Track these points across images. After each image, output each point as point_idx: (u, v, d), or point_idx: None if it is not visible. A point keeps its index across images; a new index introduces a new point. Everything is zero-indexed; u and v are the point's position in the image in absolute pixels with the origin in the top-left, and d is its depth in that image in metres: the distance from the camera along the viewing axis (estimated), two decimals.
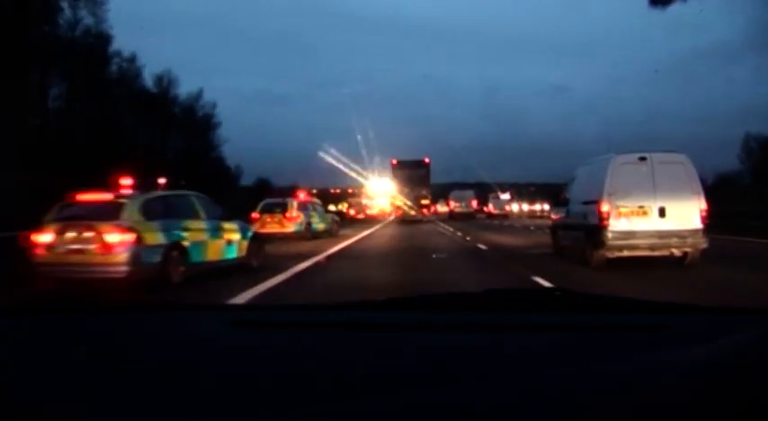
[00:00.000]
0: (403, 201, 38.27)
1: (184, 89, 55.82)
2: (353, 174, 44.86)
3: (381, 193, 59.44)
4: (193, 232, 8.92)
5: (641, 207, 9.74)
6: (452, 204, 45.69)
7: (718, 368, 0.80)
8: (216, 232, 9.57)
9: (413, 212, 37.41)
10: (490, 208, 53.13)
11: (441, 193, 51.24)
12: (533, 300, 1.67)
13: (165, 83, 54.65)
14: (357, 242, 18.50)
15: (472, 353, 1.19)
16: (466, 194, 46.78)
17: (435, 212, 41.09)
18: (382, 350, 1.22)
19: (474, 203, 47.01)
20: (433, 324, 1.41)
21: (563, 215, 12.30)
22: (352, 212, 45.43)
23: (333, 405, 0.82)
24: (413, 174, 38.42)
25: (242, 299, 6.88)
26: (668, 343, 1.21)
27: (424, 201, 38.63)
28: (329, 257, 13.05)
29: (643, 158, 9.91)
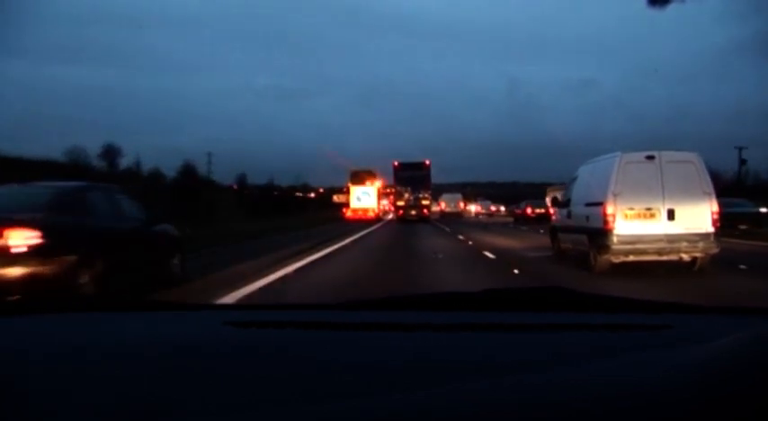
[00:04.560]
0: (404, 202, 39.07)
1: None
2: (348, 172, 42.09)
3: (366, 190, 42.80)
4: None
5: (649, 209, 9.15)
6: (443, 205, 53.35)
7: (718, 368, 0.78)
8: None
9: (413, 212, 38.33)
10: (478, 208, 64.82)
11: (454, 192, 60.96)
12: (533, 300, 1.66)
13: None
14: None
15: (471, 352, 1.19)
16: (455, 197, 55.97)
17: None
18: (379, 350, 1.21)
19: (461, 204, 55.88)
20: (431, 323, 1.37)
21: (563, 216, 11.70)
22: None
23: (328, 405, 0.80)
24: (414, 175, 39.11)
25: None
26: (668, 342, 1.19)
27: (425, 202, 39.38)
28: None
29: (651, 157, 9.31)
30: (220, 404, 0.91)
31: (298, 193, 67.77)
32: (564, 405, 0.73)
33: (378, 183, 45.02)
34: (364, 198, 43.34)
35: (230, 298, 6.98)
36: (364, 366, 1.10)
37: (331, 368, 1.08)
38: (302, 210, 55.27)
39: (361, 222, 35.43)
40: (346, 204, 45.00)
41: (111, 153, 41.12)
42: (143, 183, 30.75)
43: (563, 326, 1.37)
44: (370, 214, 42.29)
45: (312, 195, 70.77)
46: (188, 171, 40.26)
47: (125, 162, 40.93)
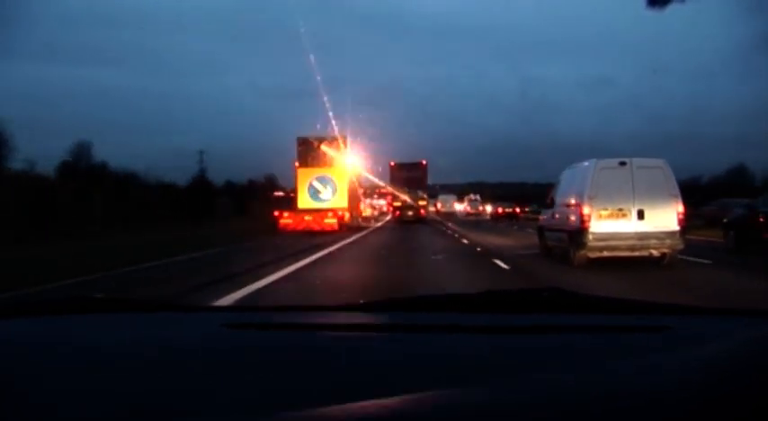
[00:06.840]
0: (401, 203, 38.60)
1: None
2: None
3: (324, 177, 24.11)
4: None
5: (621, 210, 10.23)
6: (439, 205, 63.12)
7: (717, 369, 0.81)
8: None
9: (410, 212, 37.94)
10: (468, 208, 72.13)
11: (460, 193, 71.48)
12: (532, 302, 1.65)
13: None
14: None
15: (471, 354, 1.18)
16: (449, 198, 66.39)
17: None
18: (378, 351, 1.22)
19: (455, 205, 66.50)
20: (430, 325, 1.40)
21: (549, 217, 12.74)
22: None
23: (327, 406, 0.80)
24: (410, 175, 38.83)
25: None
26: (667, 344, 1.20)
27: (421, 203, 39.04)
28: None
29: (623, 163, 10.41)
30: (219, 405, 0.91)
31: (271, 193, 57.78)
32: (564, 406, 0.73)
33: (346, 165, 25.58)
34: (324, 192, 24.28)
35: None
36: (363, 367, 1.10)
37: (329, 369, 1.08)
38: (242, 214, 42.74)
39: (308, 236, 19.17)
40: (287, 204, 25.00)
41: None
42: None
43: (562, 327, 1.35)
44: (331, 221, 23.27)
45: (279, 194, 59.24)
46: None
47: None
